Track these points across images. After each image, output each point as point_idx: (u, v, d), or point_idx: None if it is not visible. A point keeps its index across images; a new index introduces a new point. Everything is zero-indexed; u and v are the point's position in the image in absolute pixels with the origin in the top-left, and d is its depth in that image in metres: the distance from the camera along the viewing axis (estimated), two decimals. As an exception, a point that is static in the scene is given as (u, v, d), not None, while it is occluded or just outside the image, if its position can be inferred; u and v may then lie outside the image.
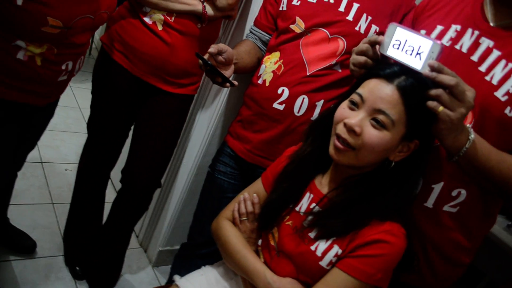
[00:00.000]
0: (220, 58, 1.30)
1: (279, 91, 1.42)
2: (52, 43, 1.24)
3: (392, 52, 0.97)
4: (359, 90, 0.99)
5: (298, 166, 1.15)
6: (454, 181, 1.09)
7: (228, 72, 1.36)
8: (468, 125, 0.97)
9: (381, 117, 0.94)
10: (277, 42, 1.49)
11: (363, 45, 1.04)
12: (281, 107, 1.42)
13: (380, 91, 0.95)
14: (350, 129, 0.97)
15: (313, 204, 1.10)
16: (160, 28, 1.50)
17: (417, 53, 0.92)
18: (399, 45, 0.95)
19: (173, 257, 1.91)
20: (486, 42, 1.05)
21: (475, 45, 1.07)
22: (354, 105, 0.99)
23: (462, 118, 0.89)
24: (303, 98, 1.40)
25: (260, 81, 1.49)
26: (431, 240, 1.14)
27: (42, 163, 2.57)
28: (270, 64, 1.48)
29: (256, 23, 1.60)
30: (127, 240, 2.00)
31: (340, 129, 0.99)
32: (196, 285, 1.24)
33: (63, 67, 1.34)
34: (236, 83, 1.32)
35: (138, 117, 1.72)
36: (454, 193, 1.09)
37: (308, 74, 1.40)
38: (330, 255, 1.02)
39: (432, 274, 1.17)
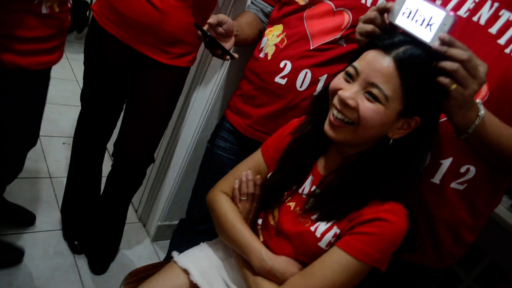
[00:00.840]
0: (220, 29, 1.26)
1: (281, 65, 1.38)
2: None
3: (401, 21, 0.91)
4: (355, 63, 0.94)
5: (300, 147, 1.12)
6: (463, 156, 1.06)
7: (228, 44, 1.31)
8: (478, 100, 0.93)
9: (375, 90, 0.89)
10: (280, 14, 1.44)
11: (371, 13, 0.98)
12: (283, 81, 1.38)
13: (375, 64, 0.90)
14: (344, 103, 0.93)
15: (314, 187, 1.07)
16: None
17: (428, 24, 0.85)
18: (410, 13, 0.89)
19: (172, 232, 1.90)
20: (506, 15, 1.01)
21: (494, 17, 1.02)
22: (350, 77, 0.95)
23: (474, 94, 0.85)
24: (306, 73, 1.36)
25: (261, 55, 1.44)
26: (437, 217, 1.12)
27: (39, 137, 2.54)
28: (273, 37, 1.43)
29: None
30: (123, 214, 1.98)
31: (336, 101, 0.96)
32: (195, 262, 1.22)
33: (69, 4, 1.37)
34: (236, 55, 1.28)
35: (131, 90, 1.67)
36: (462, 170, 1.07)
37: (311, 48, 1.36)
38: (329, 236, 1.00)
39: (436, 252, 1.16)
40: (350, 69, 0.95)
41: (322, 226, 1.01)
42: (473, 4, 1.05)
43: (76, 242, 1.99)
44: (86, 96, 1.72)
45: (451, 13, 0.83)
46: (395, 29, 0.94)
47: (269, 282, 1.05)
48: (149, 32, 1.49)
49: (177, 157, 2.07)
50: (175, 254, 1.27)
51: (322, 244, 1.00)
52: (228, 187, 1.21)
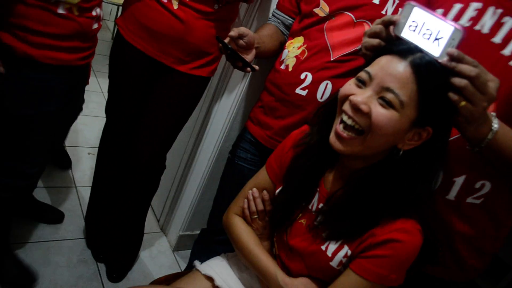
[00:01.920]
0: (241, 42, 1.28)
1: (302, 76, 1.39)
2: None
3: (407, 34, 0.88)
4: (368, 68, 0.90)
5: (305, 161, 1.08)
6: (477, 173, 1.03)
7: (249, 57, 1.33)
8: (492, 113, 0.90)
9: (389, 96, 0.85)
10: (301, 26, 1.45)
11: (376, 26, 0.95)
12: (303, 93, 1.39)
13: (391, 68, 0.86)
14: (356, 108, 0.88)
15: (321, 205, 1.05)
16: (175, 6, 1.47)
17: (436, 39, 0.83)
18: (416, 27, 0.87)
19: (193, 241, 1.92)
20: (510, 22, 0.97)
21: (498, 25, 0.98)
22: (361, 83, 0.91)
23: (483, 111, 0.82)
24: (327, 84, 1.37)
25: (282, 67, 1.46)
26: (456, 231, 1.09)
27: (65, 147, 2.60)
28: (293, 49, 1.45)
29: (279, 6, 1.56)
30: (139, 220, 2.00)
31: (347, 107, 0.91)
32: (217, 270, 1.24)
33: (94, 13, 1.40)
34: (257, 67, 1.30)
35: (150, 95, 1.71)
36: (477, 185, 1.04)
37: (332, 59, 1.37)
38: (340, 256, 0.99)
39: (458, 265, 1.14)
40: (362, 74, 0.91)
41: (332, 245, 1.00)
42: (476, 12, 1.02)
43: (99, 251, 2.02)
44: (111, 108, 1.76)
45: (460, 27, 0.81)
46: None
47: None
48: (173, 44, 1.53)
49: (199, 167, 2.09)
50: (197, 263, 1.29)
51: (334, 263, 1.00)
52: (239, 208, 1.22)
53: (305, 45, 1.41)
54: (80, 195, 2.35)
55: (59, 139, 1.76)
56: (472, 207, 1.06)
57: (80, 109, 1.95)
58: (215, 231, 1.71)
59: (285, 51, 1.48)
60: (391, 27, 0.93)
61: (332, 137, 0.94)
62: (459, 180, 1.04)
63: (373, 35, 0.96)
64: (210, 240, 1.73)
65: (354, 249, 0.97)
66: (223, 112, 1.92)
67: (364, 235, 0.95)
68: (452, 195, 1.06)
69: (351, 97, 0.90)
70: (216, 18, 1.54)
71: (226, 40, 1.27)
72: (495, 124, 0.87)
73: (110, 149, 1.85)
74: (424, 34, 0.85)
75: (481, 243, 1.12)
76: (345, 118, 0.91)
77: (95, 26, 1.45)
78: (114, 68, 1.68)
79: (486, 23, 1.00)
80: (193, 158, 2.12)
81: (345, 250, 0.98)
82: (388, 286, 0.94)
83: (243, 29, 1.28)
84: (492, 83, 0.81)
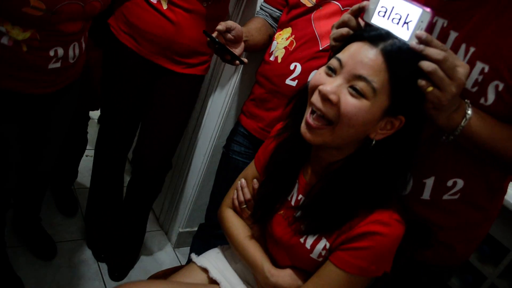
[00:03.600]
0: (229, 35, 1.29)
1: (292, 67, 1.40)
2: (36, 29, 1.19)
3: (377, 20, 0.87)
4: (339, 55, 0.87)
5: (283, 154, 1.07)
6: (445, 173, 1.00)
7: (238, 50, 1.34)
8: (466, 100, 0.87)
9: (360, 84, 0.82)
10: (288, 17, 1.46)
11: (344, 16, 0.94)
12: (293, 83, 1.40)
13: (361, 55, 0.83)
14: (325, 98, 0.85)
15: (300, 196, 1.05)
16: (165, 7, 1.47)
17: (405, 22, 0.82)
18: (385, 12, 0.85)
19: (192, 238, 1.93)
20: (440, 22, 0.94)
21: (431, 25, 0.95)
22: (332, 71, 0.88)
23: (453, 98, 0.79)
24: None
25: (272, 58, 1.47)
26: (440, 225, 1.07)
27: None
28: (282, 40, 1.45)
29: (268, 0, 1.57)
30: (143, 221, 2.03)
31: (315, 98, 0.88)
32: (212, 262, 1.25)
33: (51, 53, 1.27)
34: (245, 60, 1.31)
35: (148, 99, 1.72)
36: (449, 184, 1.01)
37: (321, 48, 1.37)
38: (319, 248, 0.99)
39: (448, 252, 1.13)
40: (333, 62, 0.88)
41: (310, 238, 1.00)
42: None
43: (99, 250, 2.03)
44: (106, 108, 1.77)
45: (428, 10, 0.80)
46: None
47: None
48: (164, 45, 1.53)
49: (195, 164, 2.10)
50: (193, 255, 1.31)
51: (314, 255, 1.00)
52: (231, 201, 1.24)
53: (293, 36, 1.42)
54: (79, 196, 2.36)
55: (46, 160, 1.66)
56: (451, 202, 1.04)
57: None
58: (213, 226, 1.72)
59: (274, 42, 1.48)
60: (360, 16, 0.92)
61: (303, 127, 0.92)
62: (429, 182, 1.02)
63: (341, 25, 0.95)
64: (209, 234, 1.75)
65: (332, 242, 0.97)
66: (216, 108, 1.93)
67: (342, 227, 0.95)
68: (426, 195, 1.04)
69: (320, 87, 0.87)
70: (206, 17, 1.54)
71: (214, 34, 1.27)
72: (469, 111, 0.85)
73: (107, 149, 1.86)
74: (394, 18, 0.84)
75: (468, 231, 1.10)
76: (314, 109, 0.89)
77: (55, 65, 1.31)
78: (109, 68, 1.69)
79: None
80: (189, 154, 2.13)
81: (324, 242, 0.98)
82: (370, 276, 0.94)
83: (230, 23, 1.29)
84: (461, 68, 0.79)
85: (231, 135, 1.67)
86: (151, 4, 1.47)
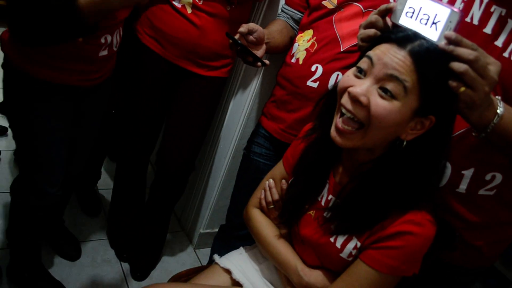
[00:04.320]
0: (250, 37, 1.30)
1: (313, 68, 1.40)
2: None
3: (405, 21, 0.86)
4: (369, 53, 0.87)
5: (313, 155, 1.07)
6: (485, 166, 1.00)
7: (260, 52, 1.35)
8: (497, 97, 0.86)
9: (390, 85, 0.82)
10: (310, 20, 1.46)
11: (371, 16, 0.93)
12: (315, 85, 1.40)
13: (391, 57, 0.83)
14: (355, 99, 0.86)
15: (330, 196, 1.05)
16: (189, 11, 1.50)
17: (433, 23, 0.81)
18: (413, 13, 0.85)
19: (213, 239, 1.94)
20: (498, 11, 0.92)
21: (487, 14, 0.94)
22: (361, 73, 0.88)
23: (485, 96, 0.79)
24: (337, 75, 1.37)
25: (293, 60, 1.47)
26: (470, 224, 1.06)
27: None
28: (303, 42, 1.46)
29: (288, 1, 1.57)
30: (166, 222, 2.05)
31: (345, 100, 0.89)
32: (235, 263, 1.26)
33: (102, 40, 1.34)
34: (267, 62, 1.32)
35: (171, 101, 1.74)
36: (487, 177, 1.00)
37: (342, 50, 1.37)
38: (350, 248, 0.99)
39: (475, 253, 1.12)
40: (363, 61, 0.88)
41: (340, 237, 1.00)
42: (462, 4, 0.99)
43: (122, 250, 2.06)
44: (129, 111, 1.80)
45: (456, 10, 0.79)
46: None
47: None
48: (189, 48, 1.56)
49: (217, 166, 2.11)
50: (216, 257, 1.31)
51: (344, 255, 1.00)
52: (258, 200, 1.24)
53: (315, 38, 1.42)
54: (102, 197, 2.40)
55: (78, 161, 1.62)
56: (485, 198, 1.03)
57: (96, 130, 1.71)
58: (234, 226, 1.73)
59: (295, 44, 1.49)
60: (388, 17, 0.92)
61: (333, 132, 0.93)
62: (468, 173, 1.01)
63: (369, 25, 0.94)
64: (229, 235, 1.75)
65: (363, 241, 0.97)
66: (237, 109, 1.94)
67: (373, 228, 0.95)
68: (462, 188, 1.03)
69: (350, 89, 0.87)
70: (229, 21, 1.57)
71: (236, 36, 1.28)
72: (501, 107, 0.84)
73: (130, 152, 1.89)
74: (422, 19, 0.83)
75: (496, 231, 1.09)
76: (344, 111, 0.89)
77: (103, 53, 1.38)
78: (131, 71, 1.71)
79: (475, 13, 0.97)
80: (211, 156, 2.15)
81: (354, 242, 0.98)
82: (400, 275, 0.94)
83: (252, 25, 1.30)
84: (493, 66, 0.78)
85: (252, 136, 1.68)
86: (175, 9, 1.51)
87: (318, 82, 1.39)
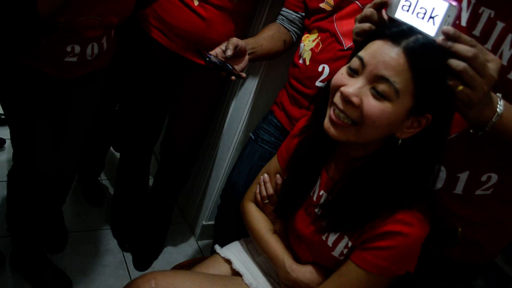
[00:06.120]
0: (228, 52, 1.27)
1: (320, 69, 1.40)
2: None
3: (401, 15, 0.82)
4: (360, 53, 0.84)
5: (307, 150, 1.06)
6: (480, 167, 0.98)
7: (241, 64, 1.35)
8: (498, 94, 0.82)
9: (382, 86, 0.79)
10: (312, 21, 1.47)
11: (366, 10, 0.89)
12: (323, 85, 1.40)
13: (383, 55, 0.80)
14: (347, 100, 0.83)
15: (322, 191, 1.04)
16: (196, 3, 1.51)
17: (430, 17, 0.77)
18: (409, 6, 0.80)
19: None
20: (486, 12, 0.89)
21: (475, 16, 0.91)
22: (353, 72, 0.85)
23: (484, 95, 0.75)
24: None
25: (300, 61, 1.47)
26: (469, 220, 1.05)
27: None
28: (309, 42, 1.46)
29: (285, 4, 1.57)
30: (169, 212, 2.06)
31: (337, 99, 0.86)
32: (236, 254, 1.28)
33: (68, 49, 1.32)
34: (243, 75, 1.31)
35: (176, 92, 1.74)
36: (483, 179, 0.98)
37: (345, 48, 1.37)
38: (341, 247, 0.99)
39: (476, 250, 1.12)
40: (354, 61, 0.85)
41: (332, 236, 1.00)
42: None
43: (125, 240, 2.08)
44: (134, 102, 1.80)
45: (455, 3, 0.75)
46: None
47: None
48: (195, 40, 1.56)
49: (220, 157, 2.12)
50: (217, 247, 1.33)
51: (336, 253, 1.00)
52: (253, 194, 1.25)
53: (319, 37, 1.43)
54: (105, 187, 2.42)
55: (68, 155, 1.57)
56: (483, 198, 1.02)
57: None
58: (229, 206, 1.71)
59: (301, 45, 1.49)
60: (384, 10, 0.88)
61: (326, 123, 0.90)
62: (463, 176, 0.99)
63: (364, 19, 0.90)
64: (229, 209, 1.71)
65: (354, 240, 0.97)
66: (242, 100, 1.94)
67: (364, 226, 0.94)
68: (459, 189, 1.01)
69: (342, 89, 0.85)
70: (235, 14, 1.58)
71: (214, 52, 1.27)
72: (501, 106, 0.80)
73: (134, 143, 1.90)
74: (418, 13, 0.79)
75: (497, 228, 1.09)
76: (337, 111, 0.87)
77: (71, 59, 1.36)
78: (137, 62, 1.72)
79: (463, 15, 0.93)
80: (214, 147, 2.15)
81: (346, 241, 0.98)
82: (391, 276, 0.93)
83: (232, 42, 1.28)
84: (492, 63, 0.74)
85: (262, 123, 1.66)
86: (182, 1, 1.51)
87: (326, 83, 1.39)
